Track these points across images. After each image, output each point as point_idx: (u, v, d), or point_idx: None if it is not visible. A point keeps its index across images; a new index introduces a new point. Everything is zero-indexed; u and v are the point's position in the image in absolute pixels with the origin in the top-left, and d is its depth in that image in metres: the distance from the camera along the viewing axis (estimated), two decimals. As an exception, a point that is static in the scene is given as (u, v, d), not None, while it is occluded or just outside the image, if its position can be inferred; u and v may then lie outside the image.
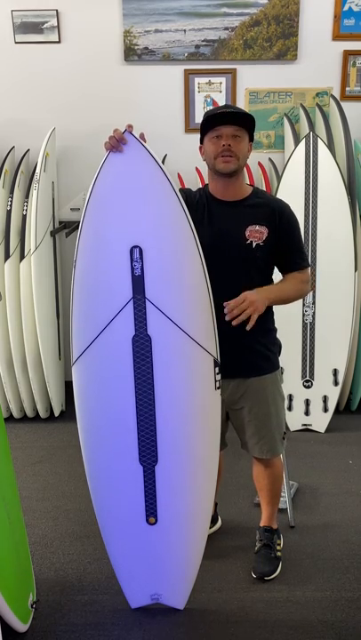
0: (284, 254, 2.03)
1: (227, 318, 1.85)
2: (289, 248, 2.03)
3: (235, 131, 1.93)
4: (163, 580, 2.02)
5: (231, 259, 1.94)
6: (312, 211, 3.20)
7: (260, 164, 3.60)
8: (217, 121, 1.93)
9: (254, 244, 1.97)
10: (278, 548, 2.29)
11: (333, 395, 3.34)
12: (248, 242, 1.97)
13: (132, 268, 1.71)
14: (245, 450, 2.21)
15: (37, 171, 3.22)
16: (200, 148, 2.04)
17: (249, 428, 2.13)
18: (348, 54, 3.48)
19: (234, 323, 1.86)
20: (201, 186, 2.17)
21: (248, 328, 1.87)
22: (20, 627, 1.89)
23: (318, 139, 3.18)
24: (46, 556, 2.36)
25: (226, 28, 3.47)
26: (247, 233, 1.97)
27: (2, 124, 3.58)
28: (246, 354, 2.05)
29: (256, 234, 1.97)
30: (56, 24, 3.46)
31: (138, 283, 1.72)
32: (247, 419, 2.12)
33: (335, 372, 3.30)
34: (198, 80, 3.54)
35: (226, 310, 1.85)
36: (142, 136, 1.71)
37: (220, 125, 1.92)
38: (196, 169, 3.49)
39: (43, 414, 3.55)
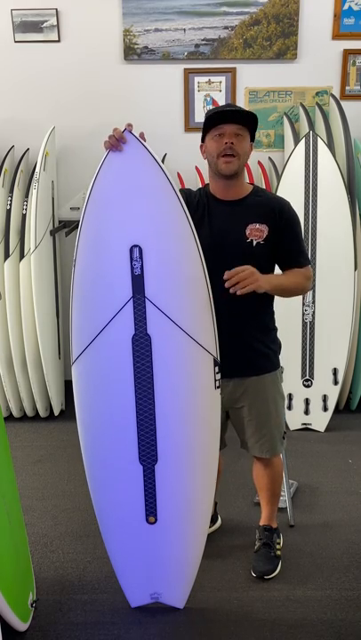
0: (284, 252, 2.02)
1: (226, 285, 1.84)
2: (290, 246, 2.03)
3: (237, 129, 1.93)
4: (162, 579, 2.02)
5: (232, 257, 1.94)
6: (312, 210, 3.20)
7: (259, 163, 3.59)
8: (220, 119, 1.92)
9: (255, 243, 1.97)
10: (278, 547, 2.29)
11: (333, 394, 3.34)
12: (248, 240, 1.97)
13: (132, 268, 1.71)
14: (245, 449, 2.21)
15: (37, 170, 3.22)
16: (201, 146, 2.03)
17: (249, 427, 2.13)
18: (347, 53, 3.48)
19: (231, 290, 1.84)
20: (201, 185, 2.17)
21: (239, 293, 1.83)
22: (20, 626, 1.89)
23: (318, 138, 3.17)
24: (46, 555, 2.36)
25: (226, 27, 3.46)
26: (247, 231, 1.97)
27: (1, 123, 3.58)
28: (246, 352, 2.05)
29: (256, 232, 1.97)
30: (56, 23, 3.46)
31: (137, 282, 1.72)
32: (247, 418, 2.12)
33: (335, 372, 3.30)
34: (198, 79, 3.54)
35: (226, 276, 1.84)
36: (142, 135, 1.71)
37: (222, 123, 1.92)
38: (196, 168, 3.49)
39: (42, 413, 3.55)
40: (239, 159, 1.95)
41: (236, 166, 1.95)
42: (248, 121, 1.94)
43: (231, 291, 1.84)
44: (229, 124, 1.92)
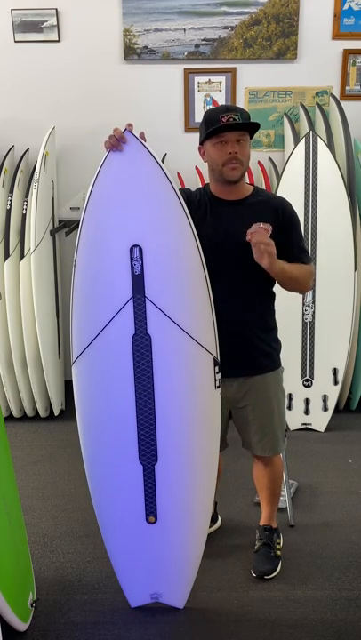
0: (288, 250, 2.02)
1: (249, 231, 1.88)
2: (293, 244, 2.03)
3: (239, 135, 1.92)
4: (162, 579, 2.02)
5: (236, 257, 1.94)
6: (312, 210, 3.20)
7: (259, 163, 3.59)
8: (223, 127, 1.91)
9: None
10: (278, 547, 2.29)
11: (333, 394, 3.34)
12: None
13: (132, 267, 1.71)
14: (247, 448, 2.21)
15: (37, 170, 3.22)
16: (199, 148, 2.03)
17: (253, 426, 2.14)
18: (347, 53, 3.48)
19: (248, 237, 1.87)
20: (201, 185, 2.16)
21: (253, 240, 1.86)
22: (20, 626, 1.89)
23: (318, 138, 3.17)
24: (46, 555, 2.36)
25: (225, 27, 3.46)
26: None
27: (1, 123, 3.58)
28: (249, 351, 2.05)
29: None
30: (56, 23, 3.46)
31: (138, 282, 1.72)
32: (250, 417, 2.13)
33: (335, 372, 3.30)
34: (198, 79, 3.54)
35: (254, 226, 1.87)
36: (142, 135, 1.71)
37: (224, 131, 1.92)
38: (196, 168, 3.49)
39: (42, 413, 3.55)
40: (243, 165, 1.96)
41: (241, 172, 1.96)
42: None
43: (248, 237, 1.87)
44: (232, 131, 1.91)
